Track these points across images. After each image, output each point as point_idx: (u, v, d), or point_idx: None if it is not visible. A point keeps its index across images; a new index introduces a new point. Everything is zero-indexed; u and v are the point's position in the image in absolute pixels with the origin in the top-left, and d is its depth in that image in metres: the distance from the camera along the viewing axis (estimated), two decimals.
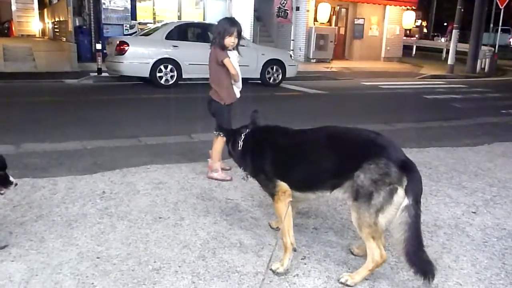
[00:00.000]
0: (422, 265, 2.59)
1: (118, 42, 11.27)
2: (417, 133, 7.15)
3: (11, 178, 2.96)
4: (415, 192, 2.61)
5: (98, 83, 12.10)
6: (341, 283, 2.76)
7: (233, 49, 4.43)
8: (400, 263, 3.00)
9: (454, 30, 18.22)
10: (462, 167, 5.21)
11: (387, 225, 2.66)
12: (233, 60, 4.40)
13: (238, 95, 4.60)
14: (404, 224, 2.59)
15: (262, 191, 3.28)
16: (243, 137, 3.24)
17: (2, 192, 2.96)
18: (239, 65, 4.52)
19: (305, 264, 2.98)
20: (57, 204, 3.77)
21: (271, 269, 2.88)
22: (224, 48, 4.35)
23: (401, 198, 2.59)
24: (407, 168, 2.63)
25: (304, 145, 2.96)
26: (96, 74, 12.56)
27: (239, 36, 4.40)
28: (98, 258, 2.96)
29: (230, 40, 4.31)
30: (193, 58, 11.03)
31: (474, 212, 3.93)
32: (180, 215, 3.67)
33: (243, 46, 4.88)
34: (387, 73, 17.51)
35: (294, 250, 2.96)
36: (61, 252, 3.01)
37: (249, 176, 3.26)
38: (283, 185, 2.95)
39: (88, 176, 4.46)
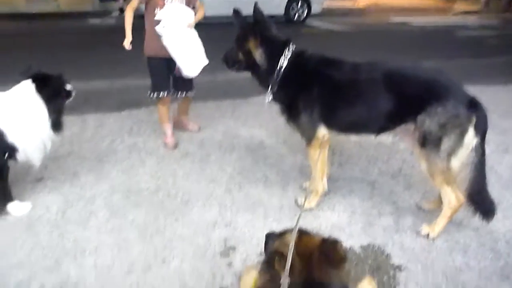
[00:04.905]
0: (485, 205, 2.55)
1: None
2: (447, 71, 6.89)
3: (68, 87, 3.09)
4: (482, 130, 2.46)
5: (121, 22, 11.98)
6: (422, 235, 2.64)
7: None
8: (424, 199, 3.02)
9: None
10: (493, 106, 4.99)
11: (461, 168, 2.48)
12: (166, 11, 3.62)
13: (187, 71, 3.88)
14: (471, 163, 2.47)
15: (288, 128, 2.95)
16: (286, 60, 2.68)
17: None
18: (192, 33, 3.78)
19: (329, 198, 3.03)
20: (87, 141, 3.88)
21: (296, 202, 2.95)
22: None
23: (471, 138, 2.43)
24: (476, 106, 2.43)
25: (359, 84, 2.59)
26: (118, 13, 12.42)
27: None
28: (129, 191, 3.07)
29: None
30: None
31: (504, 151, 3.86)
32: (206, 151, 3.73)
33: None
34: (418, 9, 16.72)
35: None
36: (94, 185, 3.14)
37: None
38: (322, 132, 2.71)
39: (116, 113, 4.54)
